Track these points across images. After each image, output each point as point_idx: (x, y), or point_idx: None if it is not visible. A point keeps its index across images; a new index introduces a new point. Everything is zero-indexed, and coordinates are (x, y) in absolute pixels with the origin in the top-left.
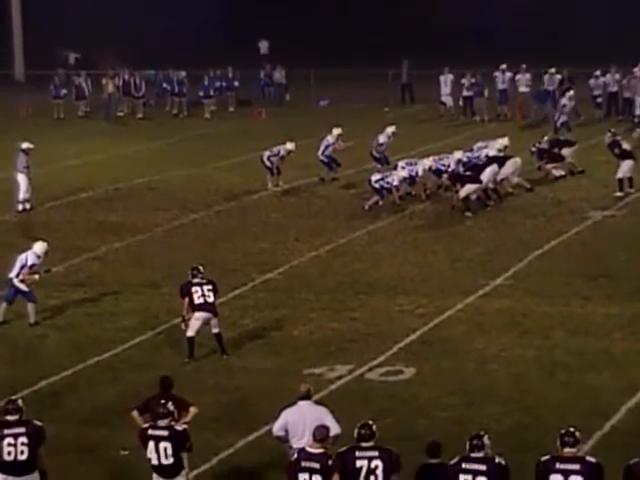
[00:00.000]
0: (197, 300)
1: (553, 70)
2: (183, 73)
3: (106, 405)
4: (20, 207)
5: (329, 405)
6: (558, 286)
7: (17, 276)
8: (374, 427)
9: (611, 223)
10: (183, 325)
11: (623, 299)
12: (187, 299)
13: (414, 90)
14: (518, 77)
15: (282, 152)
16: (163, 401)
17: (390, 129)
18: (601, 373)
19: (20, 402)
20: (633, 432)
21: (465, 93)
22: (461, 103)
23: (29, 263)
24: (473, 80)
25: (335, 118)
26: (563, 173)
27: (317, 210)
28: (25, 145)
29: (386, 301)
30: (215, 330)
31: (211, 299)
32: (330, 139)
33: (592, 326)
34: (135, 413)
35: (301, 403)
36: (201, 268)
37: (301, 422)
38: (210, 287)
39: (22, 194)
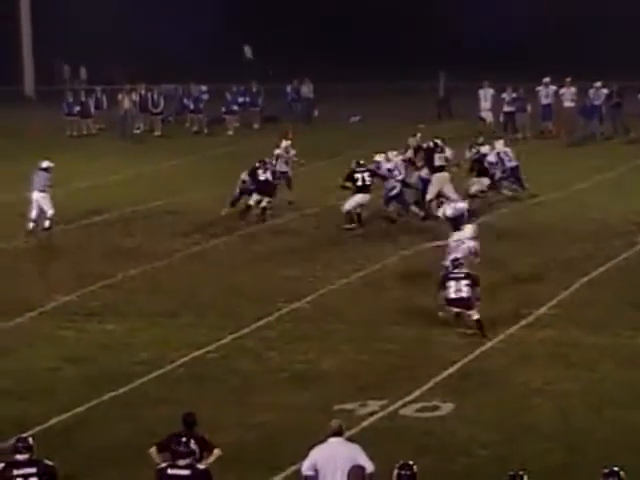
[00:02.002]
0: (452, 295)
1: (599, 84)
2: (204, 88)
3: (121, 443)
4: (47, 224)
5: (361, 443)
6: (606, 315)
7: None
8: (415, 467)
9: None
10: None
11: None
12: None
13: (452, 105)
14: (563, 91)
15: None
16: (185, 439)
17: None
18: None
19: (31, 440)
20: None
21: (506, 108)
22: (502, 119)
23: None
24: (515, 94)
25: (367, 135)
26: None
27: (348, 234)
28: (46, 164)
29: (422, 332)
30: (475, 317)
31: (464, 294)
32: None
33: (633, 359)
34: (153, 450)
35: (332, 440)
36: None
37: (332, 461)
38: (467, 282)
39: (34, 213)
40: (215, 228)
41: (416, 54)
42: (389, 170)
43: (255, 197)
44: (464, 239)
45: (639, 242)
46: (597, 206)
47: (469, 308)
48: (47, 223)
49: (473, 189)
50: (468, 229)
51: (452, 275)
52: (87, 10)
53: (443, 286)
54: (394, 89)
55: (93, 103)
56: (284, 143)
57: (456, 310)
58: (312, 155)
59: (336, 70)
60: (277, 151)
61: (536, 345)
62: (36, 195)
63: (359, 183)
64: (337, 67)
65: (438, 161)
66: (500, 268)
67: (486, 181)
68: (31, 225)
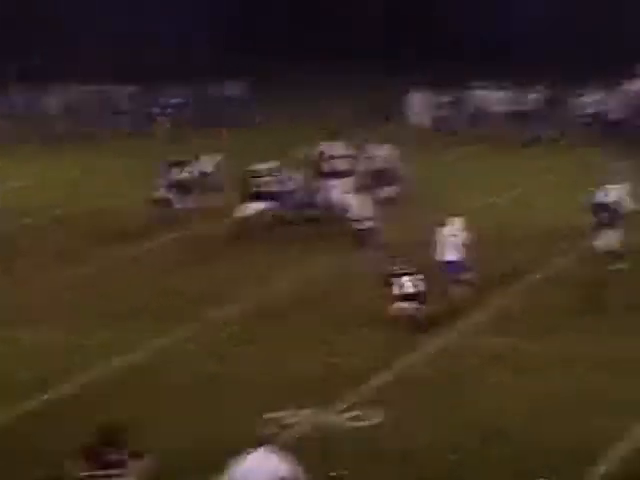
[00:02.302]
0: (409, 289)
1: (533, 88)
2: (131, 88)
3: (46, 453)
4: None
5: (289, 453)
6: (549, 321)
7: None
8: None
9: (601, 255)
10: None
11: (611, 335)
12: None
13: (385, 108)
14: (500, 94)
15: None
16: (114, 448)
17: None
18: (590, 415)
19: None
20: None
21: (438, 112)
22: (434, 123)
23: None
24: (447, 98)
25: (298, 137)
26: None
27: (282, 237)
28: None
29: (354, 338)
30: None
31: (421, 288)
32: None
33: (580, 364)
34: (76, 460)
35: (260, 450)
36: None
37: (256, 471)
38: (419, 276)
39: None
40: (148, 231)
41: (352, 57)
42: (290, 178)
43: (175, 196)
44: (456, 232)
45: (577, 249)
46: (542, 209)
47: (423, 302)
48: None
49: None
50: (457, 221)
51: (401, 271)
52: None
53: (394, 284)
54: (327, 89)
55: None
56: (217, 158)
57: (409, 307)
58: (249, 156)
59: (276, 69)
60: (210, 169)
61: (473, 351)
62: None
63: (256, 190)
64: (274, 65)
65: (341, 166)
66: (440, 272)
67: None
68: None
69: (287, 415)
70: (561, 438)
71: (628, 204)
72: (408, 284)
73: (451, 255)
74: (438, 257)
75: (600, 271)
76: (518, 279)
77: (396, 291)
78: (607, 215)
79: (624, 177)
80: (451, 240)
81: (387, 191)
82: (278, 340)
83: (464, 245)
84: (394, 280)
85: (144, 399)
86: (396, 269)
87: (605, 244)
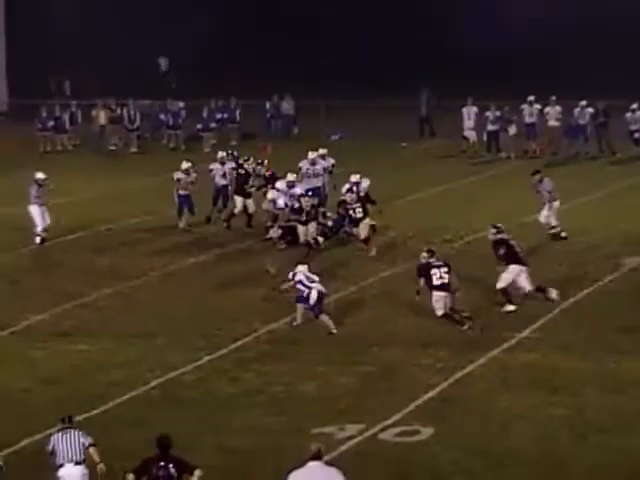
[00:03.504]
0: (436, 281)
1: (584, 103)
2: (181, 104)
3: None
4: (38, 239)
5: (339, 468)
6: (590, 339)
7: None
8: None
9: None
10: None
11: None
12: (423, 279)
13: (434, 123)
14: (547, 110)
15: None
16: (163, 463)
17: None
18: (638, 435)
19: (1, 462)
20: None
21: (490, 127)
22: (485, 138)
23: None
24: (498, 113)
25: (348, 153)
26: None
27: (326, 254)
28: (37, 176)
29: (402, 355)
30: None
31: (446, 280)
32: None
33: (628, 384)
34: (131, 477)
35: (311, 464)
36: (433, 249)
37: None
38: (447, 269)
39: (39, 226)
40: (191, 247)
41: (400, 71)
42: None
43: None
44: None
45: (623, 264)
46: (580, 228)
47: (450, 291)
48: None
49: None
50: None
51: (435, 264)
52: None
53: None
54: (377, 106)
55: (68, 118)
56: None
57: (445, 295)
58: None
59: (318, 86)
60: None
61: (518, 369)
62: (31, 208)
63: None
64: (319, 83)
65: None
66: (482, 290)
67: None
68: (38, 239)
69: (335, 430)
70: (604, 458)
71: None
72: (444, 275)
73: None
74: None
75: None
76: (562, 296)
77: (435, 281)
78: None
79: None
80: None
81: None
82: (315, 357)
83: None
84: (432, 271)
85: (186, 415)
86: (432, 261)
87: None
